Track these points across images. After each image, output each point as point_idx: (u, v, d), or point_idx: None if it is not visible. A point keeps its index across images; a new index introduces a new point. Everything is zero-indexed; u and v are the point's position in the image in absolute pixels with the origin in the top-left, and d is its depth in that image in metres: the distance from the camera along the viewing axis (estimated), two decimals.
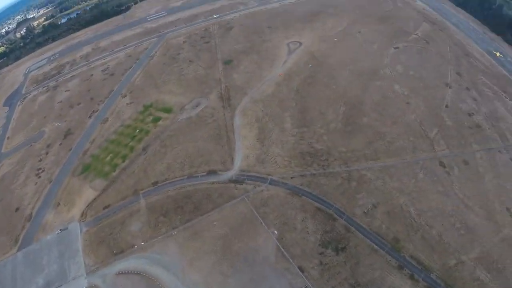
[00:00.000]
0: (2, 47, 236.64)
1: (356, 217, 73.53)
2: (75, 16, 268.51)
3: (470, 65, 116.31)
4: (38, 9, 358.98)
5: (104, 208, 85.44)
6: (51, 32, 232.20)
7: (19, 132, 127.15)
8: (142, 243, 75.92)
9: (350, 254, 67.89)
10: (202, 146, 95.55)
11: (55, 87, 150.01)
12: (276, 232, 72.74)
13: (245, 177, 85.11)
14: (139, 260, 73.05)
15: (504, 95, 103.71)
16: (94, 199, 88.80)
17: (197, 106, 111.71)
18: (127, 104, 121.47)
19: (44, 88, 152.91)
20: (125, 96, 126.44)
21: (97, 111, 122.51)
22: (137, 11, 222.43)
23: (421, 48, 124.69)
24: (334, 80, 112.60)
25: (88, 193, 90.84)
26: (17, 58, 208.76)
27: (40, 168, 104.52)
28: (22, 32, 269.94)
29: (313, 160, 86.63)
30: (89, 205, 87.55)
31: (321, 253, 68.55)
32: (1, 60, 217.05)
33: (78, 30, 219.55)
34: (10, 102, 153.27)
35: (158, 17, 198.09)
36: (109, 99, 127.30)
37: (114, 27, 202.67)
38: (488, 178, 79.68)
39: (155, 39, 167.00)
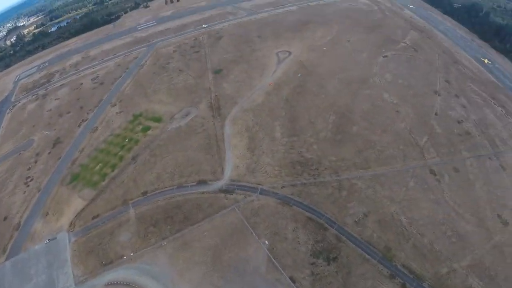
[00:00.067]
0: None
1: (347, 226, 73.21)
2: (65, 24, 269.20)
3: (459, 72, 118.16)
4: (29, 17, 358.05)
5: (93, 218, 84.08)
6: (41, 40, 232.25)
7: (8, 140, 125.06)
8: (132, 254, 74.63)
9: (342, 263, 67.39)
10: (192, 155, 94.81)
11: (44, 96, 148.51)
12: (267, 242, 72.00)
13: (235, 187, 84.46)
14: (128, 271, 71.80)
15: (493, 101, 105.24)
16: (83, 208, 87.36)
17: (187, 115, 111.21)
18: (116, 113, 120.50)
19: (33, 96, 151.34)
20: (115, 105, 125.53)
21: (86, 120, 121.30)
22: (127, 21, 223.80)
23: (409, 56, 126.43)
24: (324, 89, 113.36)
25: (77, 203, 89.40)
26: (7, 66, 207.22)
27: (28, 177, 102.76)
28: (12, 40, 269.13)
29: (304, 169, 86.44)
30: (78, 215, 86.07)
31: (312, 263, 67.90)
32: None
33: (68, 38, 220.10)
34: None
35: (148, 27, 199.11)
36: (99, 108, 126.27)
37: (104, 36, 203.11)
38: (479, 185, 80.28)
39: (145, 48, 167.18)
